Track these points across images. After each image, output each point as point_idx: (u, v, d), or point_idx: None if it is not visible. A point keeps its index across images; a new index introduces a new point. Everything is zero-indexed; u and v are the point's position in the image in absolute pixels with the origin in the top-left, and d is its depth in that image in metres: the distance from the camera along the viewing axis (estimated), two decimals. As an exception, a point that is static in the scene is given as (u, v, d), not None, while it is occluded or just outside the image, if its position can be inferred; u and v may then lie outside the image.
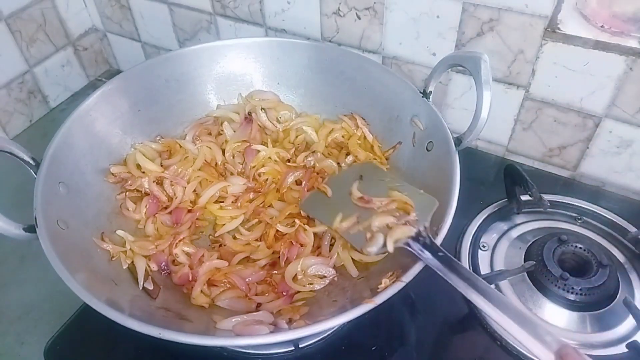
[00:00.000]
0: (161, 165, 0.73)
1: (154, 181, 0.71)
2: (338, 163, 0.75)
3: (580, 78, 0.72)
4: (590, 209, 0.75)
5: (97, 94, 0.70)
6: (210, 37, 1.01)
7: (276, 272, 0.63)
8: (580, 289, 0.62)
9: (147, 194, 0.71)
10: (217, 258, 0.65)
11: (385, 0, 0.78)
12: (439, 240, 0.53)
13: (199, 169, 0.74)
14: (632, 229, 0.71)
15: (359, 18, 0.83)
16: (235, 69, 0.81)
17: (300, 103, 0.83)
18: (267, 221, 0.68)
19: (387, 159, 0.75)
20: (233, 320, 0.54)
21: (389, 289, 0.48)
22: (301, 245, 0.65)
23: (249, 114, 0.80)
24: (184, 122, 0.80)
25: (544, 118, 0.79)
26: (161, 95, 0.77)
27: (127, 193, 0.70)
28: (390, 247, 0.54)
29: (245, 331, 0.52)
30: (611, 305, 0.63)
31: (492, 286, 0.62)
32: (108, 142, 0.71)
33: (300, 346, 0.61)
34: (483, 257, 0.70)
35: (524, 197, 0.73)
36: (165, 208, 0.70)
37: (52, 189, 0.59)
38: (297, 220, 0.66)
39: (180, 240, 0.65)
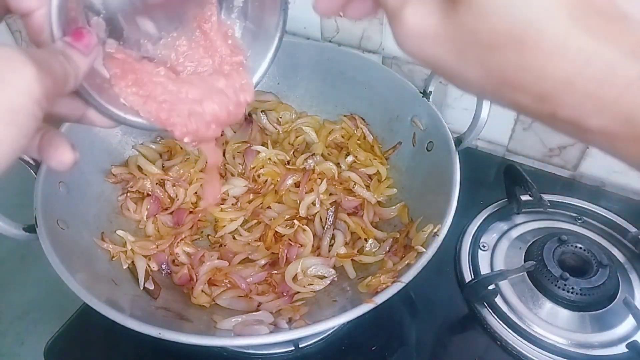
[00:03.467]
0: (163, 167, 0.73)
1: (156, 183, 0.71)
2: (338, 164, 0.75)
3: (580, 78, 0.72)
4: (590, 209, 0.75)
5: (97, 94, 0.70)
6: (211, 38, 1.01)
7: (276, 272, 0.63)
8: (580, 289, 0.62)
9: (148, 194, 0.71)
10: (218, 258, 0.65)
11: (385, 1, 0.78)
12: (439, 240, 0.52)
13: (201, 171, 0.74)
14: (632, 229, 0.71)
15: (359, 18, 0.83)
16: (235, 69, 0.81)
17: (300, 103, 0.83)
18: (266, 222, 0.68)
19: (387, 159, 0.75)
20: (233, 320, 0.54)
21: (389, 289, 0.48)
22: (300, 246, 0.65)
23: (249, 114, 0.80)
24: (184, 122, 0.80)
25: (544, 118, 0.79)
26: (161, 95, 0.77)
27: (128, 194, 0.70)
28: None
29: (245, 331, 0.52)
30: (611, 305, 0.63)
31: (492, 286, 0.63)
32: (108, 142, 0.71)
33: (300, 346, 0.61)
34: (483, 257, 0.70)
35: (524, 197, 0.73)
36: (166, 209, 0.70)
37: (52, 189, 0.59)
38: (296, 222, 0.67)
39: (181, 240, 0.65)
